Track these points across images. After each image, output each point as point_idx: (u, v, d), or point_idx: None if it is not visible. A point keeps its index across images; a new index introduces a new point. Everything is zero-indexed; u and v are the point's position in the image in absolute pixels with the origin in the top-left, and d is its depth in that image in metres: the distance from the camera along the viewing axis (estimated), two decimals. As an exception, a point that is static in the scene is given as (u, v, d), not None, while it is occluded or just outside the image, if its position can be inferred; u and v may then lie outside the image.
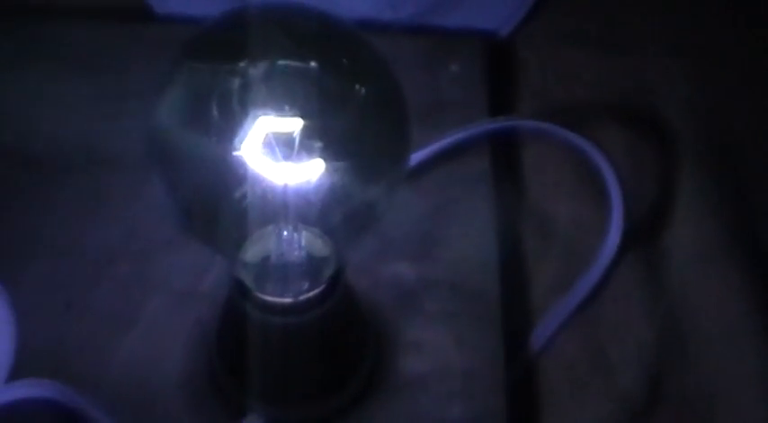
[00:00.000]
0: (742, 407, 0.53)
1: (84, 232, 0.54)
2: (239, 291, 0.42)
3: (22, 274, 0.52)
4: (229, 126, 0.37)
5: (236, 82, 0.37)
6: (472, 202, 0.55)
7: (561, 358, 0.54)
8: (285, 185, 0.39)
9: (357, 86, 0.37)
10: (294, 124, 0.37)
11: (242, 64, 0.37)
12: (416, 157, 0.55)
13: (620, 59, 0.66)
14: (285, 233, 0.41)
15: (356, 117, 0.38)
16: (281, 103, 0.37)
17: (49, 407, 0.48)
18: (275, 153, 0.37)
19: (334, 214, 0.39)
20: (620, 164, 0.60)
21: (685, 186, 0.60)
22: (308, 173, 0.38)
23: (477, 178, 0.56)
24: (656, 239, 0.59)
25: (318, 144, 0.37)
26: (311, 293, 0.42)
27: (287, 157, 0.38)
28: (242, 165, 0.38)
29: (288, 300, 0.42)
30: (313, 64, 0.38)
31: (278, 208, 0.40)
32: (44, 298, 0.52)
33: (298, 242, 0.42)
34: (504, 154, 0.60)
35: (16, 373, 0.49)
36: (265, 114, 0.37)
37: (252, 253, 0.42)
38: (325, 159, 0.38)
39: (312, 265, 0.42)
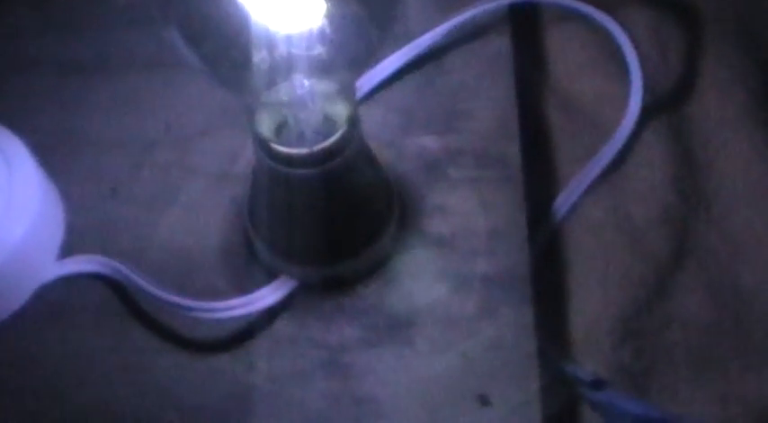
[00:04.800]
0: (767, 259, 0.54)
1: (125, 127, 0.57)
2: (259, 145, 0.45)
3: (69, 166, 0.56)
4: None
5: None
6: (495, 77, 0.57)
7: (587, 223, 0.56)
8: (289, 34, 0.41)
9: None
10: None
11: None
12: (438, 33, 0.57)
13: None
14: (297, 85, 0.43)
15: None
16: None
17: (97, 280, 0.52)
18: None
19: (338, 59, 0.41)
20: (643, 41, 0.61)
21: (709, 58, 0.61)
22: (309, 19, 0.40)
23: (500, 54, 0.57)
24: (681, 107, 0.60)
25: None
26: (327, 143, 0.44)
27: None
28: (245, 14, 0.40)
29: (305, 150, 0.44)
30: None
31: (285, 58, 0.42)
32: (91, 186, 0.55)
33: (311, 94, 0.43)
34: (528, 34, 0.61)
35: (67, 252, 0.53)
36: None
37: (270, 108, 0.44)
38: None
39: (328, 118, 0.45)
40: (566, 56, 0.61)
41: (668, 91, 0.60)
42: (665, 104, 0.59)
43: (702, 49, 0.62)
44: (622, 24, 0.60)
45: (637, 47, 0.60)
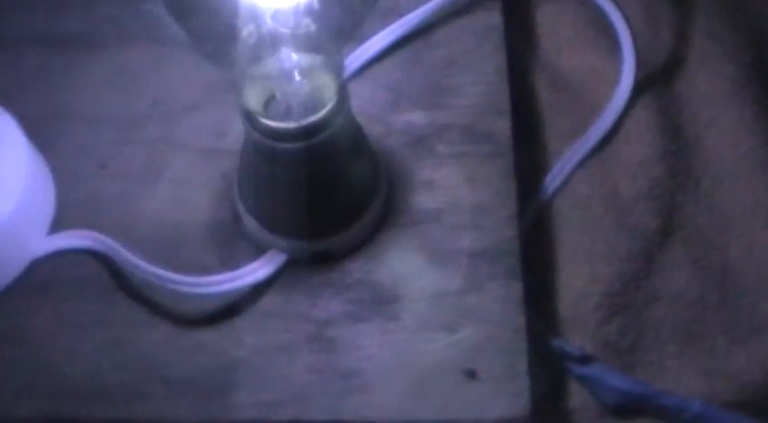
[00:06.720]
0: (755, 234, 0.54)
1: (114, 102, 0.57)
2: (246, 118, 0.45)
3: (58, 141, 0.56)
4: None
5: None
6: (484, 53, 0.57)
7: (575, 198, 0.56)
8: (276, 8, 0.41)
9: None
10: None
11: None
12: (427, 9, 0.56)
13: None
14: (284, 59, 0.43)
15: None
16: None
17: (87, 255, 0.52)
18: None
19: (326, 33, 0.41)
20: (635, 16, 0.61)
21: (701, 34, 0.61)
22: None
23: (490, 30, 0.57)
24: (671, 83, 0.59)
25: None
26: (314, 117, 0.44)
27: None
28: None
29: (292, 124, 0.44)
30: None
31: (272, 33, 0.42)
32: (80, 161, 0.55)
33: (298, 68, 0.43)
34: (518, 8, 0.61)
35: (57, 227, 0.53)
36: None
37: (258, 82, 0.44)
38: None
39: (315, 92, 0.45)
40: (557, 31, 0.61)
41: (659, 67, 0.60)
42: (655, 80, 0.59)
43: (694, 25, 0.61)
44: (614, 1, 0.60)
45: (628, 22, 0.60)
